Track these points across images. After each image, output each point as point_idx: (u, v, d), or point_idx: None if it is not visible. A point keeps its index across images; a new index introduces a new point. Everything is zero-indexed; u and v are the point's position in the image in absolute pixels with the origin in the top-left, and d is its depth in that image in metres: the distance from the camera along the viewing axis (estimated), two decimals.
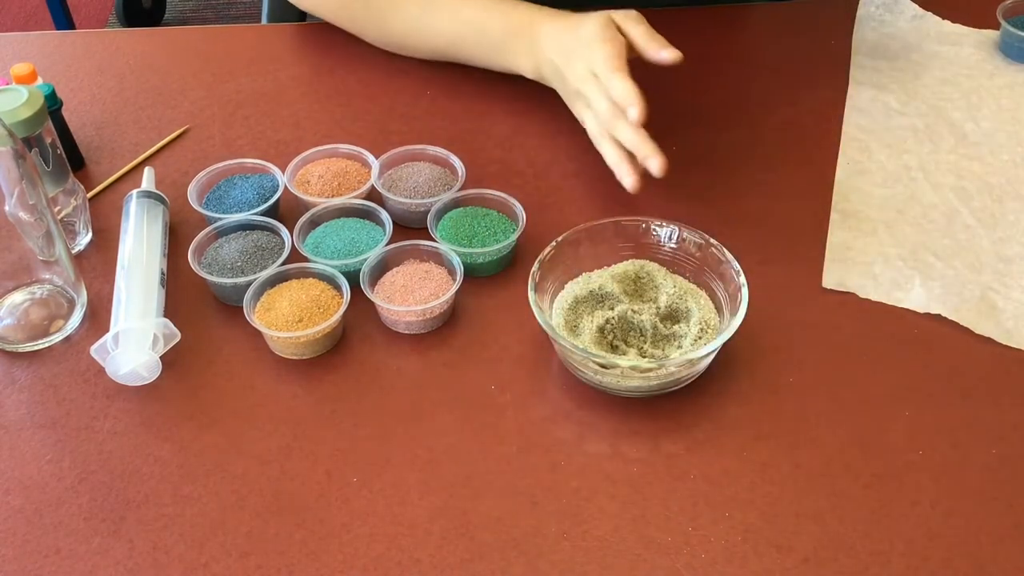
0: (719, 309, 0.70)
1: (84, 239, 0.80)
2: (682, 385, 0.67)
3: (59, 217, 0.76)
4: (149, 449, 0.66)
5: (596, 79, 0.80)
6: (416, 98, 0.94)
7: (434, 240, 0.75)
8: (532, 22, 0.86)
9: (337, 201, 0.79)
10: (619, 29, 0.81)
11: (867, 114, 0.90)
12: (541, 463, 0.64)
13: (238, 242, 0.76)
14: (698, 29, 1.01)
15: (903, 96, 0.92)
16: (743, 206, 0.82)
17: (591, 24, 0.82)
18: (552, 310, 0.71)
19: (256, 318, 0.70)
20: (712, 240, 0.71)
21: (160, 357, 0.69)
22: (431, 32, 0.92)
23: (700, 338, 0.67)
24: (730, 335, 0.65)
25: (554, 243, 0.71)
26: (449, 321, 0.73)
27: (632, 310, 0.69)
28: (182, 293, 0.76)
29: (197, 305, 0.75)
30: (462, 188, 0.80)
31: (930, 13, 1.02)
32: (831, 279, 0.74)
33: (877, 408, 0.66)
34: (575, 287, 0.72)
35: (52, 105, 0.82)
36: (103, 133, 0.92)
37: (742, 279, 0.68)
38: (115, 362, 0.67)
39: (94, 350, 0.68)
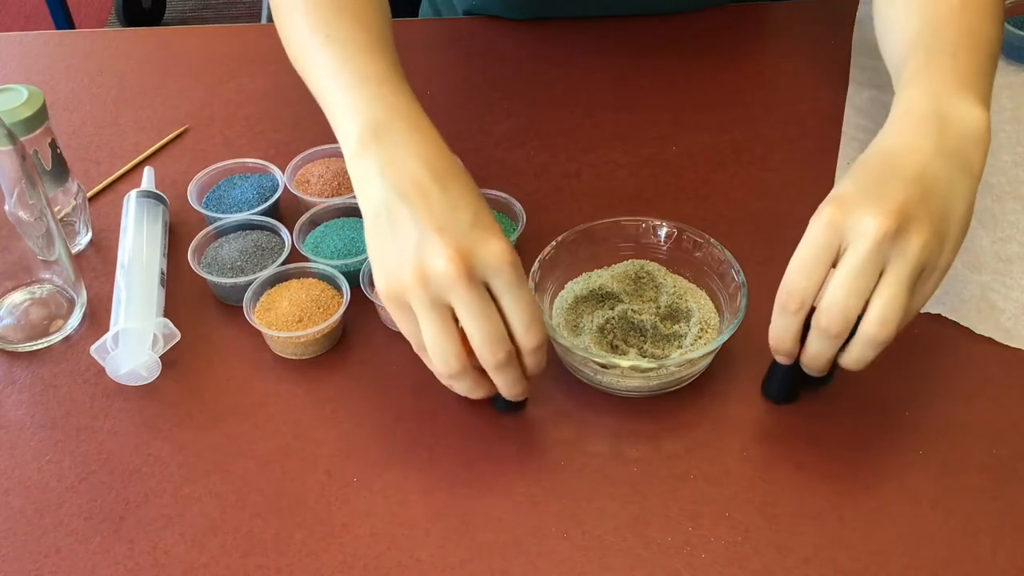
0: (719, 309, 0.70)
1: (84, 239, 0.80)
2: (682, 385, 0.67)
3: (59, 217, 0.76)
4: (149, 449, 0.66)
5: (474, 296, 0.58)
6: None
7: None
8: (386, 130, 0.62)
9: (337, 201, 0.79)
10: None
11: (867, 114, 0.90)
12: (541, 463, 0.64)
13: (238, 242, 0.76)
14: (698, 29, 1.01)
15: None
16: (743, 206, 0.82)
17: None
18: (552, 310, 0.71)
19: (256, 318, 0.70)
20: (712, 240, 0.71)
21: (160, 357, 0.69)
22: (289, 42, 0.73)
23: (700, 338, 0.67)
24: (730, 335, 0.65)
25: (554, 243, 0.71)
26: None
27: (632, 310, 0.69)
28: (182, 293, 0.76)
29: (197, 305, 0.75)
30: None
31: None
32: None
33: (877, 408, 0.66)
34: (575, 287, 0.72)
35: None
36: (103, 133, 0.92)
37: (742, 279, 0.68)
38: (115, 362, 0.67)
39: (94, 350, 0.68)
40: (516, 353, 0.60)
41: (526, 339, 0.60)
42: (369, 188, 0.60)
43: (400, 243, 0.58)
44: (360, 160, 0.62)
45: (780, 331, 0.61)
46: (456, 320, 0.59)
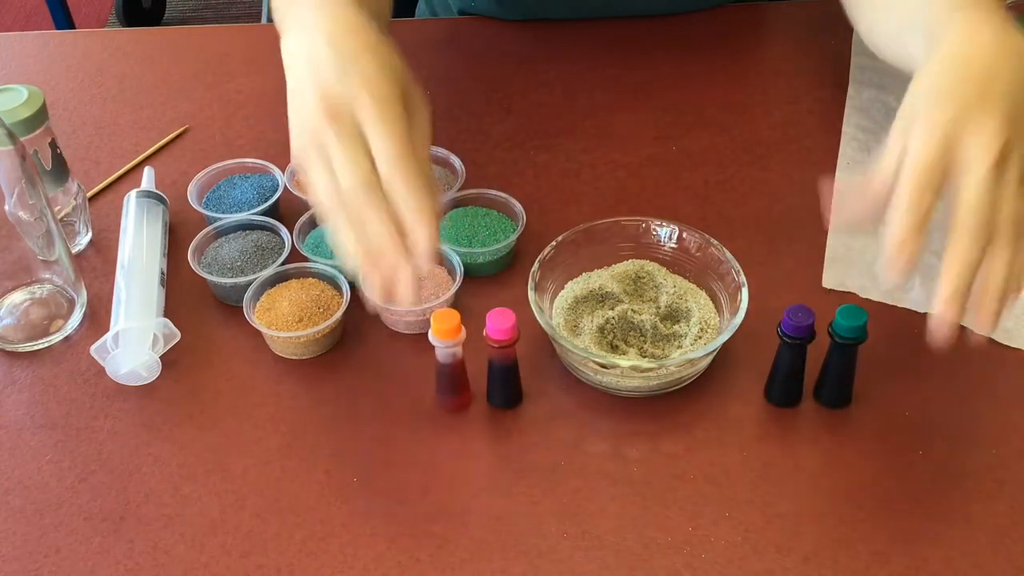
0: (719, 309, 0.70)
1: (84, 239, 0.80)
2: (682, 385, 0.67)
3: (59, 217, 0.76)
4: (149, 449, 0.66)
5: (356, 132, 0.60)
6: None
7: None
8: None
9: None
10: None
11: (867, 114, 0.90)
12: (541, 463, 0.64)
13: (238, 242, 0.76)
14: (698, 29, 1.01)
15: (903, 96, 0.92)
16: (743, 206, 0.82)
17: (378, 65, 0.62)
18: (552, 310, 0.71)
19: (256, 318, 0.70)
20: (712, 240, 0.71)
21: (160, 357, 0.69)
22: None
23: (700, 338, 0.67)
24: (730, 335, 0.65)
25: (554, 243, 0.71)
26: None
27: (632, 310, 0.69)
28: (182, 293, 0.76)
29: (197, 305, 0.75)
30: (462, 188, 0.80)
31: None
32: (831, 279, 0.74)
33: (877, 408, 0.66)
34: (575, 287, 0.72)
35: None
36: (103, 133, 0.92)
37: (742, 279, 0.68)
38: (115, 362, 0.67)
39: (94, 350, 0.68)
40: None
41: (389, 171, 0.58)
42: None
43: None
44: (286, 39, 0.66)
45: (906, 224, 0.57)
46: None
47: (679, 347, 0.68)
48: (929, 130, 0.58)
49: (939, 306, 0.57)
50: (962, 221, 0.57)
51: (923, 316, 0.71)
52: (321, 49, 0.63)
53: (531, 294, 0.67)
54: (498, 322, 0.62)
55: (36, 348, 0.72)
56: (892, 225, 0.58)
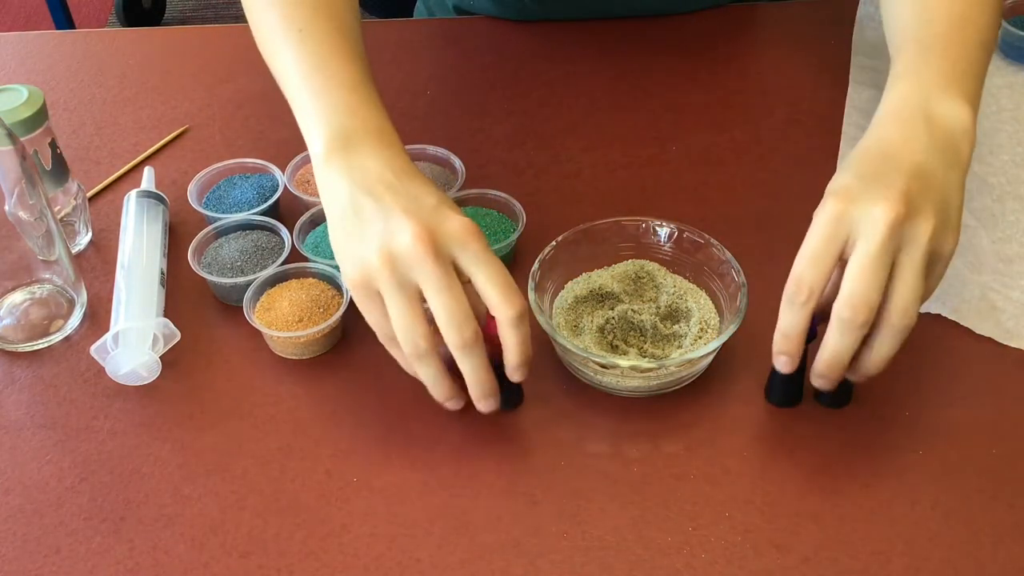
0: (719, 309, 0.70)
1: (84, 239, 0.80)
2: (682, 385, 0.67)
3: (59, 217, 0.76)
4: (149, 449, 0.66)
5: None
6: (416, 98, 0.94)
7: None
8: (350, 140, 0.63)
9: None
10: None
11: (867, 114, 0.89)
12: (541, 463, 0.64)
13: (238, 242, 0.76)
14: (698, 29, 1.01)
15: None
16: (743, 206, 0.82)
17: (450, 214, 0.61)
18: (552, 310, 0.71)
19: (256, 318, 0.70)
20: (712, 240, 0.71)
21: (160, 357, 0.69)
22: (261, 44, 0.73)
23: (700, 338, 0.67)
24: (730, 335, 0.65)
25: (554, 243, 0.71)
26: None
27: (632, 310, 0.69)
28: (182, 293, 0.76)
29: (197, 305, 0.75)
30: (462, 188, 0.80)
31: None
32: None
33: (877, 408, 0.66)
34: (575, 287, 0.72)
35: None
36: (103, 133, 0.92)
37: (742, 279, 0.68)
38: (115, 362, 0.68)
39: (94, 350, 0.68)
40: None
41: (503, 308, 0.59)
42: (335, 191, 0.62)
43: (366, 231, 0.60)
44: (327, 167, 0.63)
45: (787, 326, 0.61)
46: (424, 304, 0.60)
47: (679, 347, 0.68)
48: (823, 209, 0.60)
49: (812, 379, 0.63)
50: (837, 313, 0.59)
51: (923, 316, 0.71)
52: (388, 177, 0.62)
53: (531, 294, 0.67)
54: None
55: (36, 348, 0.72)
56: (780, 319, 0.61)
